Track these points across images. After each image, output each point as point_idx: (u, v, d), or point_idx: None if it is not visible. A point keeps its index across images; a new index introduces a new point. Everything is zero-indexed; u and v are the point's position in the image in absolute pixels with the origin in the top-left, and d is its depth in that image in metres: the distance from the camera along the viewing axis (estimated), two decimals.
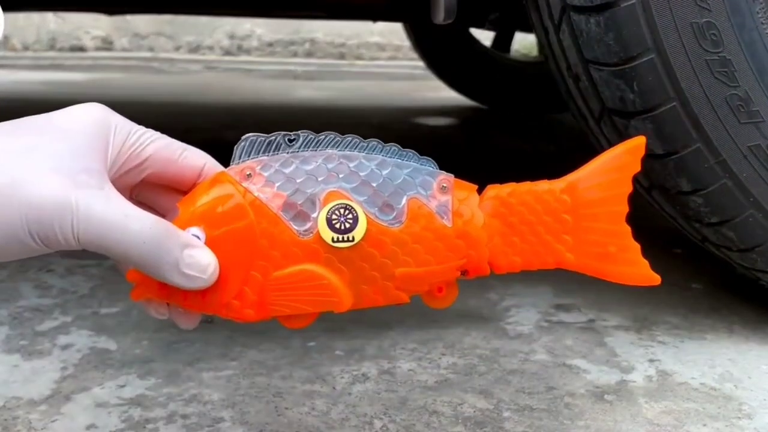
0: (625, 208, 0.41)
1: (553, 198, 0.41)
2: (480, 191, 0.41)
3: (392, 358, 0.66)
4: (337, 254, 0.38)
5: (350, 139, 0.40)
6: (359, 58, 3.78)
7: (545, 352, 0.68)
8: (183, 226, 0.37)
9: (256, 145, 0.39)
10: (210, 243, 0.37)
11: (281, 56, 3.78)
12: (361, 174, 0.39)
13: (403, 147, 0.40)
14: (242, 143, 0.39)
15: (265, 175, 0.38)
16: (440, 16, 0.77)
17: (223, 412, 0.56)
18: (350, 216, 0.38)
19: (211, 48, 3.81)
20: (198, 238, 0.37)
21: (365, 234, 0.38)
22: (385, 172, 0.39)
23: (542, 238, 0.41)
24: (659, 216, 0.74)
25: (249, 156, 0.39)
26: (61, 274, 0.83)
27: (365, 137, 0.40)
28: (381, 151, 0.40)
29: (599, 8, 0.61)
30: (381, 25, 3.36)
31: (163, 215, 0.39)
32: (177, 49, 3.80)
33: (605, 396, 0.60)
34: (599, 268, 0.41)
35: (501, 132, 1.89)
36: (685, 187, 0.65)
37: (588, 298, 0.80)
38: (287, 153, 0.39)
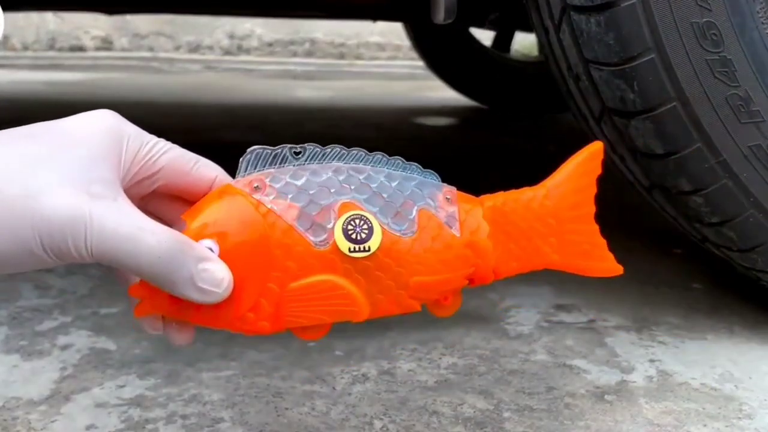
0: (593, 209, 0.44)
1: (538, 204, 0.43)
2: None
3: (392, 359, 0.65)
4: (354, 264, 0.38)
5: (356, 152, 0.40)
6: (359, 58, 3.78)
7: (545, 353, 0.68)
8: (195, 239, 0.37)
9: (262, 157, 0.39)
10: (224, 255, 0.37)
11: (281, 56, 3.78)
12: (372, 186, 0.39)
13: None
14: (248, 156, 0.39)
15: (277, 187, 0.38)
16: (440, 16, 0.77)
17: (222, 412, 0.56)
18: (365, 226, 0.38)
19: (210, 48, 3.81)
20: (212, 250, 0.37)
21: (380, 244, 0.39)
22: (394, 184, 0.40)
23: (533, 242, 0.43)
24: (659, 216, 0.74)
25: (255, 169, 0.39)
26: (61, 274, 0.83)
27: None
28: (386, 164, 0.40)
29: (599, 8, 0.61)
30: (381, 25, 3.36)
31: (170, 226, 0.38)
32: (177, 48, 3.80)
33: (605, 396, 0.60)
34: (578, 264, 0.44)
35: (501, 132, 1.89)
36: (685, 187, 0.65)
37: (588, 299, 0.80)
38: (294, 166, 0.39)
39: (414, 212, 0.40)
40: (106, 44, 3.76)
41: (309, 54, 3.80)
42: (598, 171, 0.44)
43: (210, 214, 0.38)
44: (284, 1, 1.35)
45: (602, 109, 0.67)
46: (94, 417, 0.56)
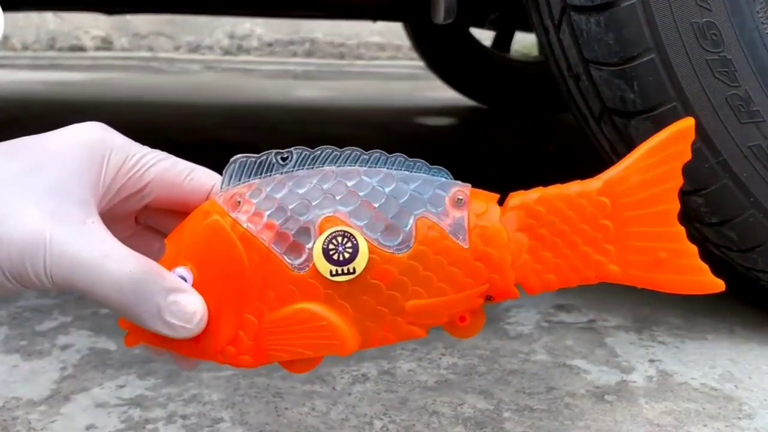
0: (675, 206, 0.35)
1: (588, 202, 0.35)
2: (502, 199, 0.36)
3: (392, 359, 0.65)
4: (338, 289, 0.34)
5: (350, 152, 0.35)
6: (359, 58, 3.78)
7: (545, 353, 0.68)
8: (170, 266, 0.34)
9: (246, 167, 0.35)
10: (199, 284, 0.34)
11: (281, 56, 3.78)
12: (361, 194, 0.34)
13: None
14: (231, 166, 0.35)
15: (255, 202, 0.34)
16: (440, 16, 0.77)
17: (222, 412, 0.56)
18: (349, 245, 0.34)
19: (210, 48, 3.81)
20: (185, 279, 0.34)
21: (367, 264, 0.34)
22: (388, 189, 0.34)
23: (579, 250, 0.35)
24: None
25: (239, 179, 0.35)
26: None
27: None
28: (385, 163, 0.35)
29: (599, 8, 0.61)
30: (381, 25, 3.36)
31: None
32: (177, 48, 3.80)
33: (605, 396, 0.60)
34: (650, 278, 0.36)
35: (501, 132, 1.89)
36: (685, 187, 0.65)
37: (588, 298, 0.80)
38: (281, 173, 0.35)
39: (410, 223, 0.34)
40: (106, 44, 3.76)
41: (309, 54, 3.80)
42: (686, 156, 0.35)
43: (186, 237, 0.35)
44: (284, 1, 1.35)
45: (602, 109, 0.67)
46: (94, 417, 0.56)
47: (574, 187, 0.35)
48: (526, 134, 1.87)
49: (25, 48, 3.71)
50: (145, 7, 1.53)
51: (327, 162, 0.35)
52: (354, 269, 0.34)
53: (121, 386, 0.60)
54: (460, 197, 0.35)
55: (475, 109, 2.13)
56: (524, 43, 2.53)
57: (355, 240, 0.34)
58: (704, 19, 0.60)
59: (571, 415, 0.57)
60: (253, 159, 0.35)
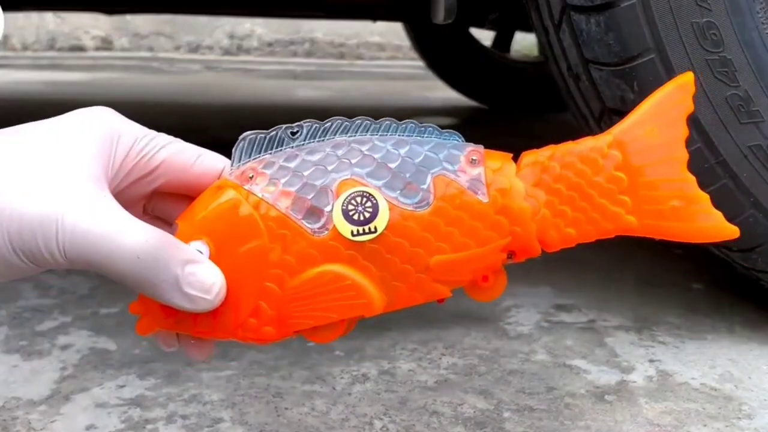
0: (684, 154, 0.36)
1: (600, 155, 0.36)
2: (513, 160, 0.37)
3: (392, 358, 0.65)
4: (360, 249, 0.34)
5: (360, 121, 0.36)
6: (359, 58, 3.78)
7: (545, 353, 0.68)
8: (185, 241, 0.34)
9: (256, 143, 0.35)
10: (216, 257, 0.34)
11: (281, 56, 3.78)
12: (376, 156, 0.35)
13: None
14: (241, 143, 0.35)
15: (268, 173, 0.34)
16: (440, 16, 0.77)
17: (222, 412, 0.56)
18: (369, 204, 0.34)
19: (210, 48, 3.81)
20: (201, 252, 0.34)
21: (389, 222, 0.34)
22: (403, 151, 0.35)
23: (596, 202, 0.36)
24: None
25: (250, 156, 0.35)
26: (61, 273, 0.83)
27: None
28: (396, 130, 0.36)
29: (599, 8, 0.61)
30: (381, 25, 3.36)
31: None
32: (177, 48, 3.80)
33: (605, 396, 0.60)
34: (666, 228, 0.36)
35: (501, 132, 1.88)
36: None
37: (588, 298, 0.80)
38: (291, 147, 0.35)
39: (428, 180, 0.34)
40: (106, 44, 3.76)
41: (309, 54, 3.80)
42: (690, 107, 0.36)
43: (199, 212, 0.35)
44: (284, 1, 1.35)
45: (602, 109, 0.67)
46: (94, 417, 0.56)
47: (585, 142, 0.36)
48: (526, 134, 1.87)
49: (25, 48, 3.71)
50: (145, 7, 1.53)
51: (338, 133, 0.35)
52: (375, 228, 0.34)
53: (121, 386, 0.60)
54: (474, 157, 0.35)
55: (475, 109, 2.13)
56: (524, 43, 2.53)
57: (375, 199, 0.34)
58: (704, 19, 0.60)
59: (571, 415, 0.57)
60: (263, 135, 0.35)
